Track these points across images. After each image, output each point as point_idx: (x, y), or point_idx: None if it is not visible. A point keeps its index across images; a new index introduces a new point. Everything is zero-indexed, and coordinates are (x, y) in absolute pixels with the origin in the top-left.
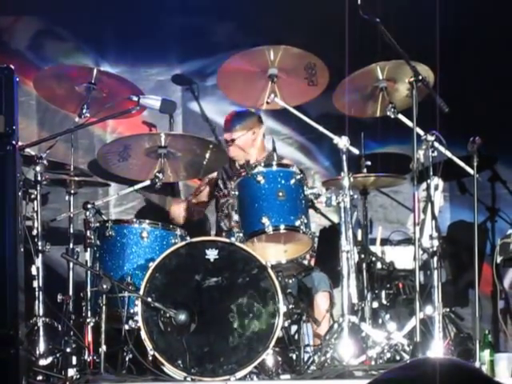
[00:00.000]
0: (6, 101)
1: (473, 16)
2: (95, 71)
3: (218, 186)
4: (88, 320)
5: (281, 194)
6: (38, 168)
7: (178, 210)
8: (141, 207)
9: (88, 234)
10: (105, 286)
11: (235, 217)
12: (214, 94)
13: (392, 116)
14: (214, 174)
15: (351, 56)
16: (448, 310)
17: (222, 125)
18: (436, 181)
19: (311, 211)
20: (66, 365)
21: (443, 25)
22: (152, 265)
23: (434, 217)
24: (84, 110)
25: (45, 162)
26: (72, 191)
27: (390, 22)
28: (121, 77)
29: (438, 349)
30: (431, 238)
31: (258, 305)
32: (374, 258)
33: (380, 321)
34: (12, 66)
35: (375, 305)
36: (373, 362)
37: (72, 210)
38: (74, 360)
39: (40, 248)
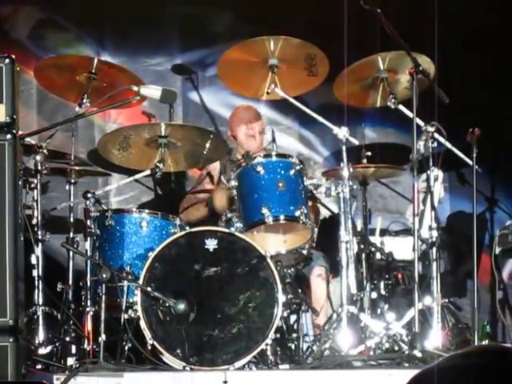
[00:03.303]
0: (7, 90)
1: (473, 6)
2: (96, 61)
3: (220, 179)
4: (87, 309)
5: (281, 184)
6: (38, 157)
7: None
8: (142, 197)
9: (88, 223)
10: (104, 276)
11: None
12: (214, 84)
13: (392, 106)
14: (214, 164)
15: (351, 46)
16: (446, 300)
17: (244, 116)
18: (436, 172)
19: None
20: (65, 354)
21: (442, 15)
22: (151, 254)
23: (433, 207)
24: (84, 100)
25: (45, 151)
26: (72, 180)
27: (390, 10)
28: (121, 67)
29: (436, 339)
30: (430, 228)
31: (257, 295)
32: (373, 249)
33: (379, 311)
34: (13, 56)
35: (374, 295)
36: (371, 352)
37: (72, 199)
38: (74, 349)
39: (40, 237)
